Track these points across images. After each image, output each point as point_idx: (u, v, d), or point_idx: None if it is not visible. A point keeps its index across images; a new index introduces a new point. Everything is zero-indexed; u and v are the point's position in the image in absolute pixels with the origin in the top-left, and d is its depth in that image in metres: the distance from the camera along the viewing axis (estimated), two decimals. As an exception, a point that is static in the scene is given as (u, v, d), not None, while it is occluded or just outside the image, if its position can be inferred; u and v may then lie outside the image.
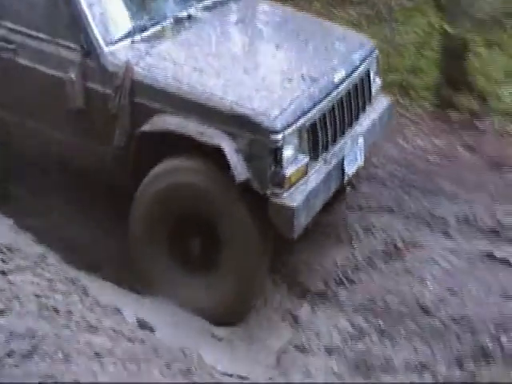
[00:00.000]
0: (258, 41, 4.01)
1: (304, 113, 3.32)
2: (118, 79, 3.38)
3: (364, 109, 3.88)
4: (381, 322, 3.49)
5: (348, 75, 3.68)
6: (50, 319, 2.60)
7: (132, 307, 3.21)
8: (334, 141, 3.56)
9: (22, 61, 3.70)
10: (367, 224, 4.21)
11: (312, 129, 3.38)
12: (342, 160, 3.59)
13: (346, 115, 3.65)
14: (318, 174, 3.41)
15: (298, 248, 3.89)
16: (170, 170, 3.39)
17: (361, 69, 3.82)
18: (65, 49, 3.57)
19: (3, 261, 3.00)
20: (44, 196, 3.98)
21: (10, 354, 2.34)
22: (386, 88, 4.51)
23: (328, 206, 3.78)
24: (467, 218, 4.28)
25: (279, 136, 3.15)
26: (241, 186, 3.18)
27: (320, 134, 3.43)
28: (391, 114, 4.30)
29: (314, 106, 3.39)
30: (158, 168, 3.41)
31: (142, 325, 2.98)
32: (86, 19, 3.51)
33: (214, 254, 3.40)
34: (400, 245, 4.01)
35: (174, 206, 3.40)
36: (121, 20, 3.73)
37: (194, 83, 3.34)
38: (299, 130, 3.29)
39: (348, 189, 4.25)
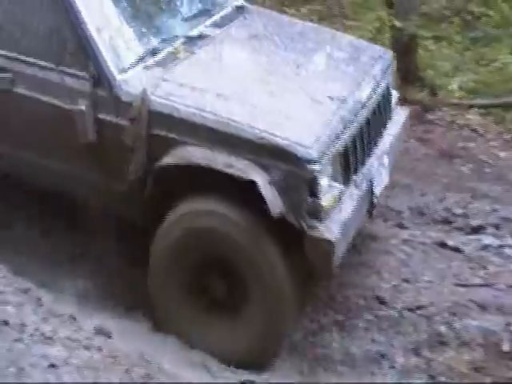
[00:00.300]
0: (276, 58, 3.65)
1: (337, 137, 3.09)
2: (133, 110, 3.09)
3: (386, 125, 3.69)
4: (340, 317, 3.53)
5: (373, 91, 3.50)
6: (2, 333, 2.55)
7: (89, 314, 3.18)
8: (363, 163, 3.33)
9: (21, 91, 3.36)
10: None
11: (344, 153, 3.15)
12: (371, 182, 3.35)
13: (372, 134, 3.44)
14: (350, 200, 3.15)
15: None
16: (186, 215, 3.09)
17: (383, 83, 3.64)
18: (71, 77, 3.24)
19: None
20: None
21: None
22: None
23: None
24: (420, 209, 4.38)
25: (316, 166, 2.91)
26: (269, 223, 2.92)
27: (351, 158, 3.19)
28: (408, 126, 4.09)
29: (345, 129, 3.16)
30: (173, 215, 3.11)
31: (99, 331, 2.95)
32: (96, 45, 3.19)
33: (239, 298, 3.13)
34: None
35: (193, 255, 3.13)
36: (131, 44, 3.39)
37: (219, 111, 3.06)
38: (333, 157, 3.05)
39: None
